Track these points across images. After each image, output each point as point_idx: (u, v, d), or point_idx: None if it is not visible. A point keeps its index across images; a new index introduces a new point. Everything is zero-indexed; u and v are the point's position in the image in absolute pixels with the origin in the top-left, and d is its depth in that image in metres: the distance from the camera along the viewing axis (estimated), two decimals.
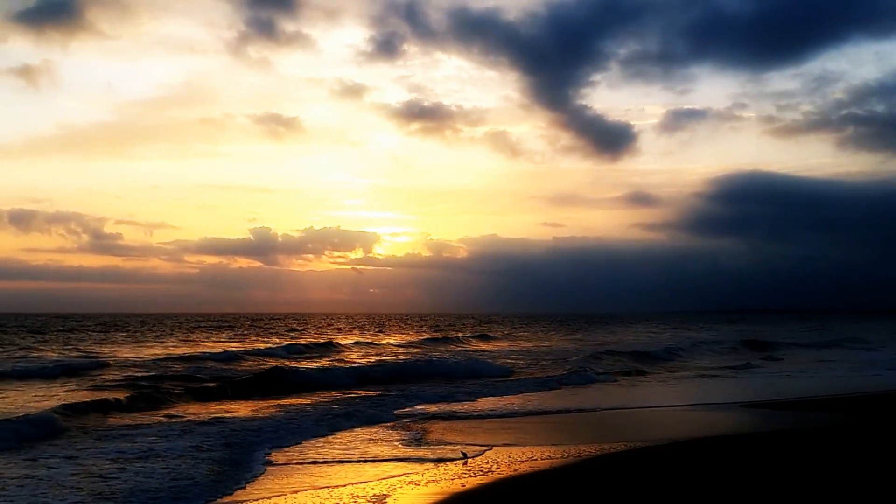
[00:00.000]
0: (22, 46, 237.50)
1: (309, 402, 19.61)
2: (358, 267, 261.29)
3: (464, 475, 10.79)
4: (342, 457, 12.30)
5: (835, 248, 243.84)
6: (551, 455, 12.34)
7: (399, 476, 10.78)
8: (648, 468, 11.32)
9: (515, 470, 11.25)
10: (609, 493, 9.72)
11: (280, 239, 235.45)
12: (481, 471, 11.11)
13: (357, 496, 9.59)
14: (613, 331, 79.82)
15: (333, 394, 21.56)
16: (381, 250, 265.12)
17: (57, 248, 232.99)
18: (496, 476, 10.80)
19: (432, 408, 18.80)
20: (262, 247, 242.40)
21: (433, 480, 10.54)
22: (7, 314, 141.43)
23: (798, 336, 61.19)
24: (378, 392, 21.92)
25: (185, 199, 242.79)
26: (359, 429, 15.31)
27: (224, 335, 61.47)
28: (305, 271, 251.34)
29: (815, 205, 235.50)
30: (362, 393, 21.83)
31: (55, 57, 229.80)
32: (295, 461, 11.95)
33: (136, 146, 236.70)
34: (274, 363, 30.85)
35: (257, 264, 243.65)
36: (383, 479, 10.64)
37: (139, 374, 25.79)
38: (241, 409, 17.94)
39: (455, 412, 18.03)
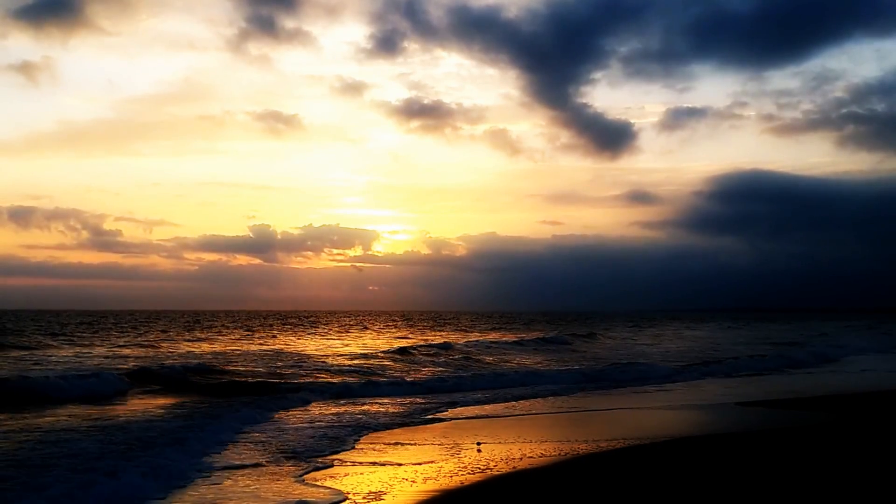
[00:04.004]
0: (22, 43, 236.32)
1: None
2: (357, 264, 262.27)
3: (460, 472, 10.84)
4: (355, 459, 12.36)
5: (834, 247, 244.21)
6: (569, 451, 12.50)
7: (400, 475, 10.86)
8: (649, 465, 11.47)
9: (513, 467, 11.30)
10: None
11: (279, 236, 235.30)
12: (478, 468, 11.16)
13: (353, 494, 9.66)
14: (645, 330, 78.35)
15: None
16: (380, 248, 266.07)
17: (56, 244, 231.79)
18: (493, 473, 10.84)
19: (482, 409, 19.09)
20: (262, 244, 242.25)
21: (431, 478, 10.57)
22: (8, 311, 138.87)
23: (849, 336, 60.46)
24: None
25: (185, 197, 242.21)
26: (382, 431, 15.32)
27: (294, 332, 61.73)
28: (305, 269, 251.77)
29: (815, 203, 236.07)
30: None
31: (55, 53, 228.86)
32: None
33: (136, 143, 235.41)
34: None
35: (257, 261, 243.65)
36: (376, 475, 10.77)
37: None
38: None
39: (493, 414, 18.34)
